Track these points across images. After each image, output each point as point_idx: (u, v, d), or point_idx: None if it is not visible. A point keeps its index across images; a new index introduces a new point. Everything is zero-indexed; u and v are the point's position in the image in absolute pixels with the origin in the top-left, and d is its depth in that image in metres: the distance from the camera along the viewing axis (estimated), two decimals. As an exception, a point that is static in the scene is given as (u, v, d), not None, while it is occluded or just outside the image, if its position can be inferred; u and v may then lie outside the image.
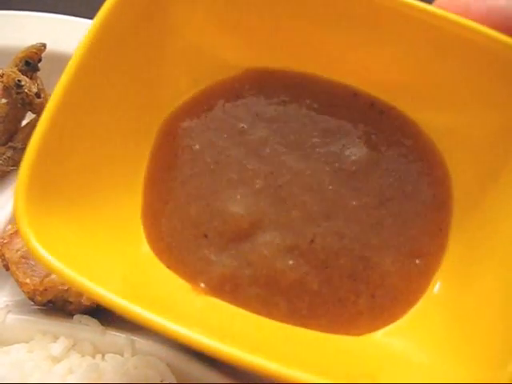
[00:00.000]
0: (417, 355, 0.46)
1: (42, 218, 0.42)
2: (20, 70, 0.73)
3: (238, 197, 0.49)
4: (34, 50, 0.74)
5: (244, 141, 0.50)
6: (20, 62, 0.73)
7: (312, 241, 0.48)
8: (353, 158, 0.49)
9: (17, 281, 0.63)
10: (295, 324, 0.48)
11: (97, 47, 0.44)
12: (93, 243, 0.45)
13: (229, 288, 0.48)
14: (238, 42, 0.51)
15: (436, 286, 0.49)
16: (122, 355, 0.59)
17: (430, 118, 0.50)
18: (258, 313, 0.47)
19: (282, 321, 0.48)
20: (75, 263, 0.41)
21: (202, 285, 0.48)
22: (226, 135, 0.50)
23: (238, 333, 0.46)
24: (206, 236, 0.48)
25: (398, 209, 0.48)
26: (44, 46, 0.74)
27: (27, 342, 0.59)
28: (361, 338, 0.47)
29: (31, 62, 0.74)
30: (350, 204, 0.49)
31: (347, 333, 0.47)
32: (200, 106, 0.52)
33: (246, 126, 0.50)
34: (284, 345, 0.46)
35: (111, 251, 0.46)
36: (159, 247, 0.49)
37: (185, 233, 0.49)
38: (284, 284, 0.48)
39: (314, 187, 0.49)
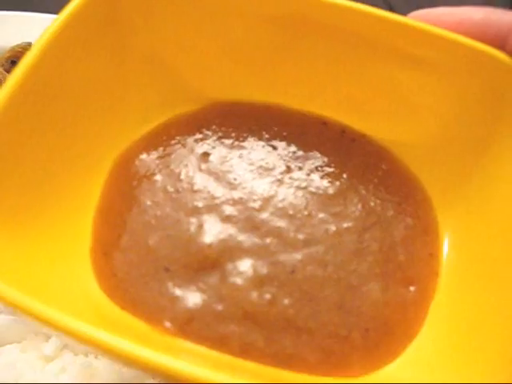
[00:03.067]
0: None
1: None
2: (6, 70, 0.70)
3: (205, 224, 0.43)
4: (20, 50, 0.72)
5: (208, 168, 0.46)
6: (6, 61, 0.71)
7: (292, 271, 0.42)
8: (328, 183, 0.45)
9: (7, 280, 0.56)
10: (278, 366, 0.40)
11: (49, 54, 0.40)
12: (38, 281, 0.38)
13: (198, 326, 0.40)
14: (202, 73, 0.48)
15: (434, 317, 0.43)
16: (114, 353, 0.51)
17: (402, 142, 0.48)
18: (234, 354, 0.40)
19: (262, 362, 0.40)
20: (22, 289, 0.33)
21: (168, 324, 0.40)
22: (188, 164, 0.45)
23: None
24: (167, 270, 0.42)
25: (383, 234, 0.44)
26: (30, 45, 0.72)
27: (19, 343, 0.55)
28: (356, 379, 0.40)
29: (17, 61, 0.69)
30: (329, 229, 0.44)
31: (341, 373, 0.40)
32: (159, 136, 0.47)
33: (210, 152, 0.45)
34: None
35: (59, 292, 0.39)
36: (111, 285, 0.42)
37: (142, 267, 0.42)
38: (263, 320, 0.41)
39: (289, 213, 0.44)
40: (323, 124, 0.48)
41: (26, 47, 0.72)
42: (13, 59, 0.71)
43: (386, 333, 0.41)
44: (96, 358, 0.52)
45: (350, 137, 0.48)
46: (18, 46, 0.73)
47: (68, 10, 0.41)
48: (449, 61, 0.43)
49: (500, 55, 0.41)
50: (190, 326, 0.40)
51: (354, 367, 0.40)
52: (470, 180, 0.45)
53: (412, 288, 0.43)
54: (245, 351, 0.40)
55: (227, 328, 0.40)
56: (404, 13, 0.43)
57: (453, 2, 0.43)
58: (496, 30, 0.41)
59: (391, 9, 0.44)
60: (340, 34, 0.44)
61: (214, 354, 0.39)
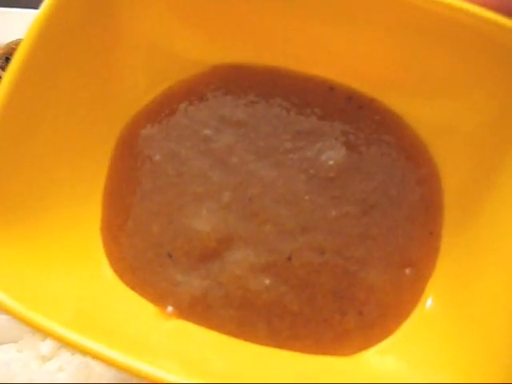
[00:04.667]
0: (411, 374, 0.41)
1: None
2: (0, 67, 0.71)
3: (204, 212, 0.44)
4: (14, 46, 0.72)
5: (209, 149, 0.45)
6: (0, 58, 0.72)
7: (289, 258, 0.43)
8: (330, 162, 0.44)
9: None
10: (276, 346, 0.43)
11: (39, 48, 0.39)
12: (44, 267, 0.41)
13: (200, 310, 0.44)
14: (201, 36, 0.46)
15: (429, 297, 0.44)
16: (112, 352, 0.55)
17: (414, 110, 0.46)
18: (234, 336, 0.43)
19: (261, 343, 0.43)
20: (24, 294, 0.37)
21: (170, 308, 0.43)
22: (188, 144, 0.45)
23: (213, 359, 0.42)
24: (170, 256, 0.44)
25: (383, 216, 0.43)
26: None
27: (16, 342, 0.57)
28: (350, 357, 0.43)
29: (11, 58, 0.68)
30: (329, 215, 0.44)
31: (335, 353, 0.43)
32: (161, 110, 0.47)
33: (210, 133, 0.45)
34: (265, 369, 0.42)
35: (66, 274, 0.42)
36: (121, 267, 0.45)
37: (147, 252, 0.45)
38: (261, 305, 0.43)
39: (288, 198, 0.44)
40: (330, 89, 0.46)
41: None
42: (7, 56, 0.70)
43: (380, 315, 0.43)
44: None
45: (358, 103, 0.46)
46: (12, 42, 0.71)
47: None
48: (464, 32, 0.39)
49: None
50: (192, 309, 0.43)
51: (347, 347, 0.43)
52: (481, 158, 0.43)
53: (409, 270, 0.44)
54: (244, 334, 0.43)
55: (227, 313, 0.43)
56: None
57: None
58: None
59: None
60: None
61: (215, 335, 0.43)
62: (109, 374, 0.54)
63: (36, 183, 0.42)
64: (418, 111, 0.45)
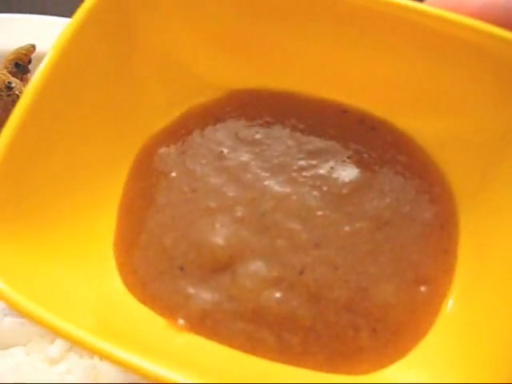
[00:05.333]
0: None
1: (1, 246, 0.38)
2: (10, 72, 0.73)
3: (217, 226, 0.45)
4: (24, 52, 0.75)
5: (223, 166, 0.47)
6: (10, 64, 0.74)
7: (301, 272, 0.43)
8: (343, 180, 0.46)
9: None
10: (287, 362, 0.43)
11: (61, 69, 0.41)
12: (59, 276, 0.41)
13: (210, 323, 0.43)
14: (220, 61, 0.48)
15: (446, 314, 0.43)
16: (119, 354, 0.56)
17: (425, 129, 0.47)
18: (244, 350, 0.43)
19: (271, 358, 0.43)
20: (40, 299, 0.37)
21: (181, 321, 0.43)
22: (204, 161, 0.47)
23: (222, 373, 0.41)
24: (181, 269, 0.44)
25: (396, 232, 0.44)
26: (33, 47, 0.75)
27: (25, 345, 0.57)
28: (363, 376, 0.42)
29: (21, 63, 0.75)
30: (342, 230, 0.44)
31: (348, 371, 0.42)
32: (178, 130, 0.49)
33: (225, 151, 0.47)
34: None
35: (80, 286, 0.42)
36: (132, 281, 0.45)
37: (159, 265, 0.45)
38: (272, 319, 0.43)
39: (301, 213, 0.45)
40: (343, 112, 0.47)
41: (30, 49, 0.74)
42: (17, 61, 0.73)
43: (394, 333, 0.43)
44: (101, 360, 0.54)
45: (370, 125, 0.47)
46: (21, 48, 0.74)
47: (80, 15, 0.41)
48: (470, 49, 0.41)
49: None
50: (203, 323, 0.43)
51: (361, 365, 0.42)
52: (494, 175, 0.43)
53: (423, 288, 0.43)
54: (254, 348, 0.42)
55: (237, 326, 0.43)
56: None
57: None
58: None
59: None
60: (357, 21, 0.42)
61: (225, 350, 0.42)
62: (117, 376, 0.54)
63: (52, 195, 0.42)
64: (429, 131, 0.46)
